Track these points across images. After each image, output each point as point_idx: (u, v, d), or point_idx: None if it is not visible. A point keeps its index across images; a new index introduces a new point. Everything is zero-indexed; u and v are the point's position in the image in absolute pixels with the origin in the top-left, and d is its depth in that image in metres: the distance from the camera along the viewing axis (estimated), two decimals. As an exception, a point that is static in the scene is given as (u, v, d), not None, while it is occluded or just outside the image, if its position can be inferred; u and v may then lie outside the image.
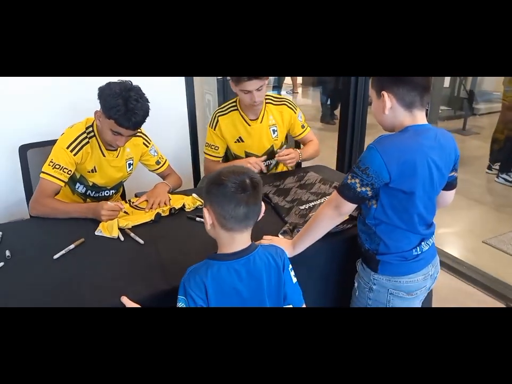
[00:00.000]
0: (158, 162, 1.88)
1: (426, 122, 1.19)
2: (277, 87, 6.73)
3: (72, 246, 1.35)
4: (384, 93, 1.16)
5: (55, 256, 1.30)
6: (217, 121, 1.96)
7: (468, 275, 2.41)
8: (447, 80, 5.28)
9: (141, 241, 1.39)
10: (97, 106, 1.56)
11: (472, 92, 5.28)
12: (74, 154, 1.63)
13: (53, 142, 1.67)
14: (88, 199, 1.82)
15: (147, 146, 1.83)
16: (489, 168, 3.95)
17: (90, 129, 1.68)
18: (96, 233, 1.45)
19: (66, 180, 1.64)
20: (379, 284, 1.26)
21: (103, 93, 1.53)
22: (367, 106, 2.58)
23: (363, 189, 1.14)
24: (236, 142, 1.99)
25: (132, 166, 1.82)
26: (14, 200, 1.70)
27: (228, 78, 1.84)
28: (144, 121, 1.58)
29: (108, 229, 1.45)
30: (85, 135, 1.66)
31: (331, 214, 1.22)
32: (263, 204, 1.05)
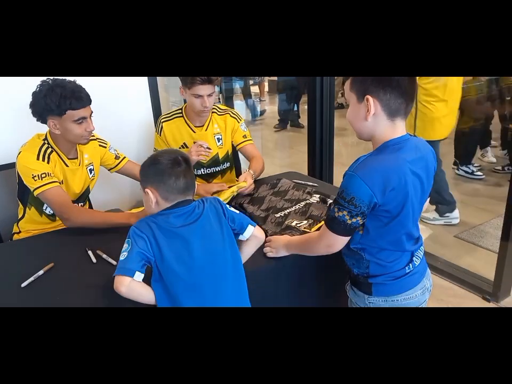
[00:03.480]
0: (117, 157, 1.86)
1: (405, 132, 1.11)
2: (248, 95, 6.72)
3: (41, 272, 1.29)
4: (369, 98, 1.05)
5: (23, 284, 1.24)
6: (162, 126, 1.98)
7: (443, 270, 2.46)
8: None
9: (114, 262, 1.34)
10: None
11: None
12: (48, 163, 1.60)
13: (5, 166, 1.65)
14: (57, 217, 1.73)
15: (105, 147, 1.83)
16: (455, 163, 4.06)
17: (46, 142, 1.64)
18: None
19: (56, 180, 1.60)
20: (376, 306, 1.18)
21: (37, 103, 1.52)
22: (333, 108, 2.61)
23: (353, 220, 1.06)
24: (180, 147, 1.99)
25: (93, 171, 1.81)
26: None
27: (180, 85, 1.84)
28: (89, 95, 1.57)
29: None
30: (45, 146, 1.62)
31: (323, 251, 1.18)
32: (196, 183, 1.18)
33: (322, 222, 1.47)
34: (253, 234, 1.22)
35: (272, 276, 1.35)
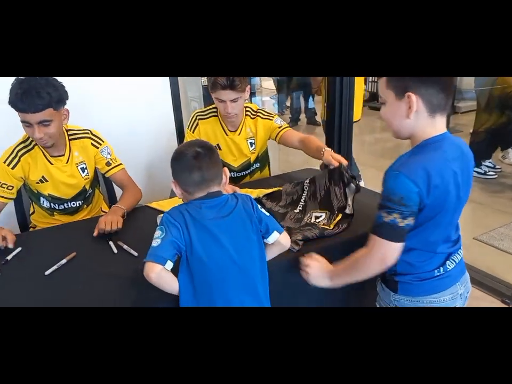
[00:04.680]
0: (108, 164, 1.75)
1: (445, 129, 1.08)
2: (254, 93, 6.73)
3: (64, 261, 1.32)
4: (411, 94, 1.01)
5: (47, 272, 1.27)
6: (197, 124, 1.94)
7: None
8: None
9: (135, 253, 1.36)
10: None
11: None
12: (12, 168, 1.59)
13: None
14: (55, 213, 1.76)
15: (97, 148, 1.73)
16: None
17: (31, 139, 1.62)
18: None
19: (8, 196, 1.62)
20: (400, 305, 1.15)
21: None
22: (352, 105, 2.59)
23: (406, 222, 1.00)
24: None
25: (86, 170, 1.73)
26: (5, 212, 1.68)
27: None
28: (49, 102, 1.45)
29: None
30: (22, 145, 1.62)
31: (377, 267, 1.08)
32: (225, 169, 1.18)
33: (340, 215, 1.48)
34: (277, 241, 1.17)
35: (288, 273, 1.35)
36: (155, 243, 1.07)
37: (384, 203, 1.02)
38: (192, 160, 1.10)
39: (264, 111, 2.01)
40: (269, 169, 2.20)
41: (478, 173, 3.83)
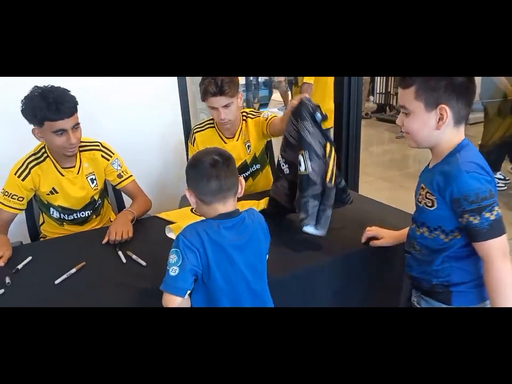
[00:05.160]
0: (119, 176, 1.79)
1: (464, 136, 1.11)
2: (265, 104, 6.77)
3: (73, 270, 1.34)
4: (445, 107, 1.03)
5: (57, 281, 1.29)
6: (195, 138, 1.99)
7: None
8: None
9: (143, 263, 1.37)
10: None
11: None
12: (23, 180, 1.62)
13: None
14: (65, 223, 1.78)
15: (108, 160, 1.76)
16: None
17: (43, 150, 1.66)
18: (168, 235, 1.50)
19: (19, 207, 1.65)
20: None
21: (24, 108, 1.52)
22: (360, 116, 2.60)
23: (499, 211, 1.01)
24: None
25: (95, 181, 1.76)
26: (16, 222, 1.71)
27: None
28: (75, 106, 1.54)
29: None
30: (32, 157, 1.65)
31: (508, 267, 1.00)
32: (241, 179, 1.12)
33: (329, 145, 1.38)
34: None
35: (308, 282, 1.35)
36: (173, 272, 1.02)
37: (481, 204, 0.99)
38: (210, 168, 1.05)
39: (253, 111, 2.04)
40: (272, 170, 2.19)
41: None
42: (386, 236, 1.40)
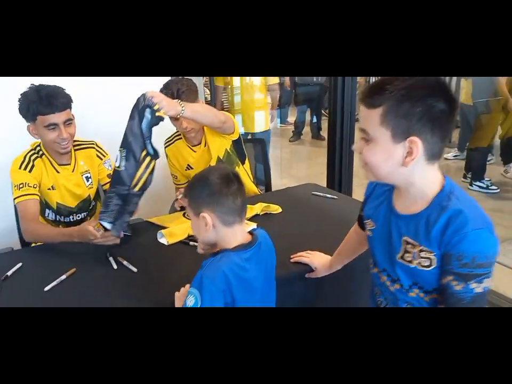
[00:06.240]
0: (109, 176, 1.75)
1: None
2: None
3: (63, 277, 1.32)
4: (416, 140, 0.84)
5: (46, 288, 1.27)
6: (166, 152, 1.96)
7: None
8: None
9: (134, 269, 1.36)
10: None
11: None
12: (30, 171, 1.62)
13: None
14: (60, 226, 1.77)
15: (101, 159, 1.78)
16: (464, 177, 4.09)
17: (39, 148, 1.67)
18: (159, 240, 1.51)
19: (37, 193, 1.62)
20: None
21: (20, 104, 1.54)
22: (354, 120, 2.60)
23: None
24: (186, 169, 1.95)
25: (90, 180, 1.77)
26: (2, 227, 1.68)
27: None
28: (68, 102, 1.56)
29: (172, 236, 1.52)
30: (32, 151, 1.66)
31: None
32: None
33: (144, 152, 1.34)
34: None
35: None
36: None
37: (472, 271, 0.84)
38: (230, 184, 0.99)
39: None
40: (254, 179, 2.13)
41: (480, 187, 3.82)
42: (318, 267, 1.31)
